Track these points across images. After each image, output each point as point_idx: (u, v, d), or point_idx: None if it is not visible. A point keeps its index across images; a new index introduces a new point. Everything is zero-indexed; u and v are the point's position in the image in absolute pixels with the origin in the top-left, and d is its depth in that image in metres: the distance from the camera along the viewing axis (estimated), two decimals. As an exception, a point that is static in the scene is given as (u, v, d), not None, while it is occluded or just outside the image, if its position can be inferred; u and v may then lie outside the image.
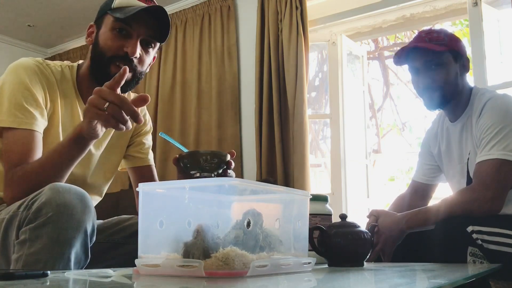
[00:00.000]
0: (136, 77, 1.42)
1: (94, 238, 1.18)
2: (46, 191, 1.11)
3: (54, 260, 1.08)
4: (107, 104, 1.08)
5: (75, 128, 1.18)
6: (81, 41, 4.42)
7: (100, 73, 1.39)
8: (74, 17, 4.05)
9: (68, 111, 1.42)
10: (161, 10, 1.38)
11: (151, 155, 1.68)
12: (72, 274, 0.90)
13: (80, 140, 1.18)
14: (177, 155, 1.19)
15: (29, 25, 4.21)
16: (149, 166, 1.66)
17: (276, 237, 0.94)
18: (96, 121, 1.12)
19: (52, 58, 4.61)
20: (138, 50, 1.37)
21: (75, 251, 1.11)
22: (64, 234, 1.08)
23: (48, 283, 0.74)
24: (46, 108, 1.35)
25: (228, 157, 1.19)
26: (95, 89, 1.11)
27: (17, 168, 1.24)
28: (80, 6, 3.85)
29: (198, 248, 0.82)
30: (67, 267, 1.09)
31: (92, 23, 1.46)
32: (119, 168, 1.66)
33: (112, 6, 1.38)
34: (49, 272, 0.81)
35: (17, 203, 1.18)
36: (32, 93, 1.31)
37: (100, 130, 1.16)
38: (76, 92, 1.45)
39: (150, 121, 1.71)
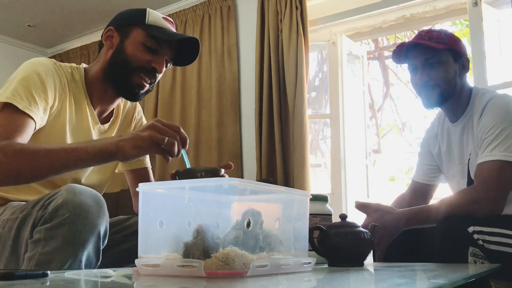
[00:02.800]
0: (150, 89, 1.50)
1: (106, 241, 1.19)
2: (63, 192, 1.12)
3: (67, 261, 1.09)
4: (166, 139, 1.12)
5: (110, 143, 1.15)
6: (81, 41, 4.42)
7: (119, 79, 1.45)
8: (74, 17, 4.05)
9: (77, 112, 1.44)
10: (195, 43, 1.50)
11: (147, 158, 1.71)
12: (72, 274, 0.90)
13: (108, 156, 1.16)
14: (173, 171, 1.20)
15: (29, 25, 4.21)
16: (146, 169, 1.69)
17: (276, 237, 0.94)
18: (143, 151, 1.14)
19: (52, 58, 4.60)
20: (164, 68, 1.47)
21: (88, 253, 1.13)
22: (78, 236, 1.10)
23: (48, 283, 0.74)
24: (53, 107, 1.36)
25: (222, 172, 1.20)
26: (154, 122, 1.15)
27: (6, 142, 1.17)
28: (80, 6, 3.85)
29: (198, 248, 0.82)
30: (78, 268, 1.11)
31: (111, 27, 1.47)
32: (116, 170, 1.68)
33: (146, 22, 1.44)
34: (49, 272, 0.81)
35: (32, 202, 1.18)
36: (44, 86, 1.32)
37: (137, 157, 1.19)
38: (85, 93, 1.47)
39: None
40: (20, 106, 1.24)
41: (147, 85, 1.47)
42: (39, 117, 1.30)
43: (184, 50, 1.52)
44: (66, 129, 1.40)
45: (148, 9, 1.48)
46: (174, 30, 1.50)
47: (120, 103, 1.61)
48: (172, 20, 1.52)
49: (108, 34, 1.47)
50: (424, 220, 1.56)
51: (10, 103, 1.23)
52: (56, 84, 1.37)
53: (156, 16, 1.47)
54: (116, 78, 1.45)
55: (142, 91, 1.47)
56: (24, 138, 1.24)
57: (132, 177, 1.68)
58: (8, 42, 4.46)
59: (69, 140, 1.42)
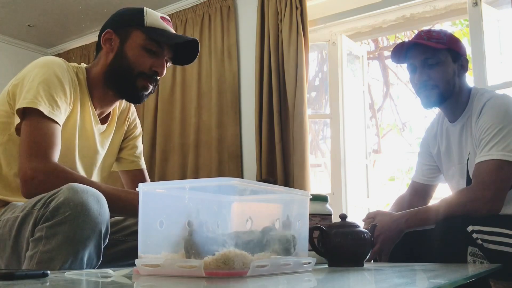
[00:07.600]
0: (152, 91, 1.52)
1: (107, 240, 1.19)
2: (64, 190, 1.12)
3: (68, 259, 1.09)
4: None
5: None
6: (81, 41, 4.42)
7: (122, 84, 1.46)
8: (74, 17, 4.05)
9: (82, 112, 1.45)
10: (195, 43, 1.51)
11: (143, 160, 1.72)
12: (72, 274, 0.90)
13: None
14: None
15: (29, 25, 4.21)
16: (141, 170, 1.70)
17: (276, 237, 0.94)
18: None
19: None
20: (165, 70, 1.48)
21: (89, 251, 1.13)
22: (80, 234, 1.10)
23: (48, 283, 0.74)
24: (68, 107, 1.39)
25: None
26: None
27: (51, 164, 1.24)
28: (80, 6, 3.84)
29: (198, 248, 0.82)
30: (80, 266, 1.11)
31: (109, 29, 1.46)
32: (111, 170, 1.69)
33: (145, 24, 1.44)
34: (49, 272, 0.81)
35: (33, 201, 1.19)
36: (63, 88, 1.34)
37: None
38: (88, 94, 1.48)
39: (140, 126, 1.75)
40: (45, 112, 1.27)
41: (151, 87, 1.49)
42: (61, 119, 1.33)
43: (183, 49, 1.52)
44: (76, 129, 1.43)
45: (145, 9, 1.47)
46: (172, 29, 1.50)
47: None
48: (169, 19, 1.52)
49: (106, 37, 1.47)
50: (424, 220, 1.56)
51: (35, 108, 1.26)
52: (70, 84, 1.39)
53: (154, 17, 1.46)
54: (118, 83, 1.46)
55: (146, 93, 1.49)
56: (59, 147, 1.29)
57: (127, 178, 1.69)
58: (8, 42, 4.45)
59: (76, 140, 1.43)
